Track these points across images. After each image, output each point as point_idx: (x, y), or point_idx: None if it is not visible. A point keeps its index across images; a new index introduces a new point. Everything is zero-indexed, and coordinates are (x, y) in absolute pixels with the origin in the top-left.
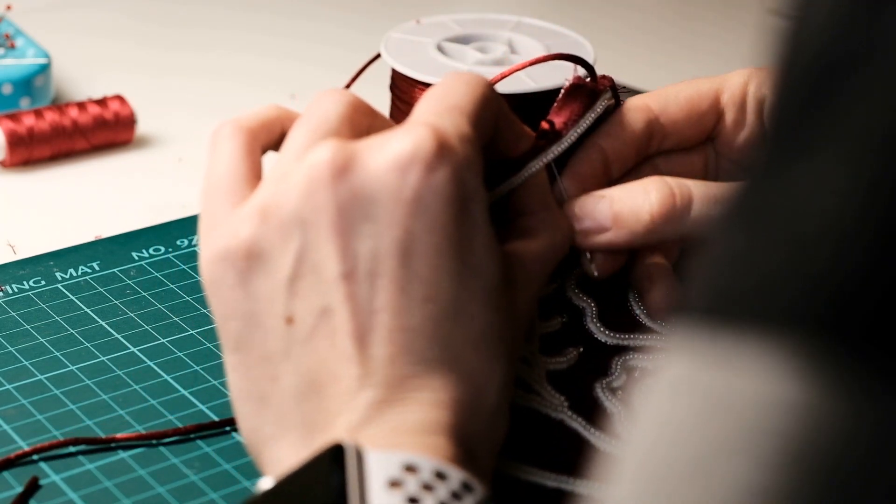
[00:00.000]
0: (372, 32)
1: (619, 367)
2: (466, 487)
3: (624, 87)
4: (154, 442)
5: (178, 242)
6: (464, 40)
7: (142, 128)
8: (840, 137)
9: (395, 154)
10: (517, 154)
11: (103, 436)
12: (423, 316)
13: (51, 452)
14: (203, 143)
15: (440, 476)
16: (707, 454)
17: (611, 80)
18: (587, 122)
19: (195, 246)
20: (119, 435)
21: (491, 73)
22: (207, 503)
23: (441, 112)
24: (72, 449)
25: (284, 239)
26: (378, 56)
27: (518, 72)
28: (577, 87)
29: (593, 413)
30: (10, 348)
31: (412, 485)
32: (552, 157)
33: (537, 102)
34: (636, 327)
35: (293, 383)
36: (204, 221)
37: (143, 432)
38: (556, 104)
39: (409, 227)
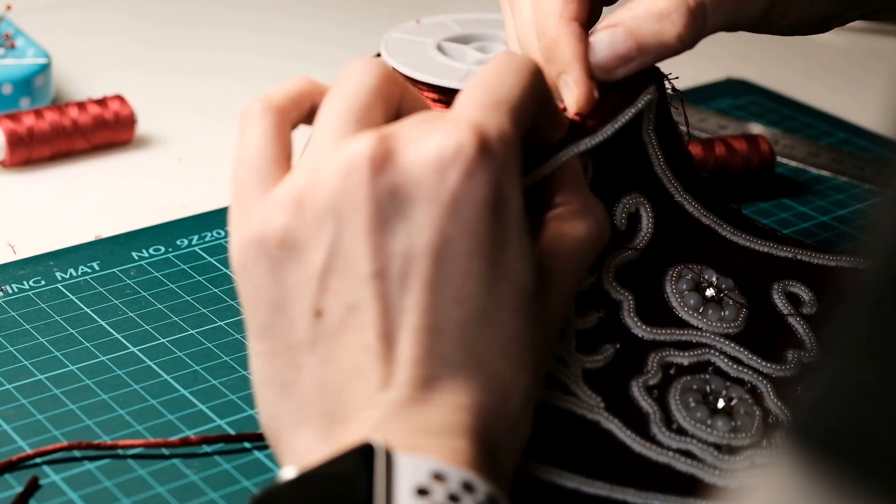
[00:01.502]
0: (372, 32)
1: (655, 364)
2: (492, 501)
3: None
4: (166, 453)
5: (178, 242)
6: (464, 40)
7: (142, 128)
8: None
9: (435, 152)
10: (552, 142)
11: (103, 436)
12: (452, 318)
13: (53, 456)
14: (203, 143)
15: (467, 487)
16: None
17: (658, 73)
18: (626, 117)
19: (195, 246)
20: (122, 441)
21: None
22: (207, 503)
23: (487, 107)
24: (76, 453)
25: (318, 231)
26: (378, 56)
27: None
28: (617, 83)
29: (629, 413)
30: (10, 348)
31: (439, 494)
32: (584, 149)
33: None
34: (672, 321)
35: (317, 374)
36: (235, 205)
37: (150, 440)
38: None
39: (443, 229)
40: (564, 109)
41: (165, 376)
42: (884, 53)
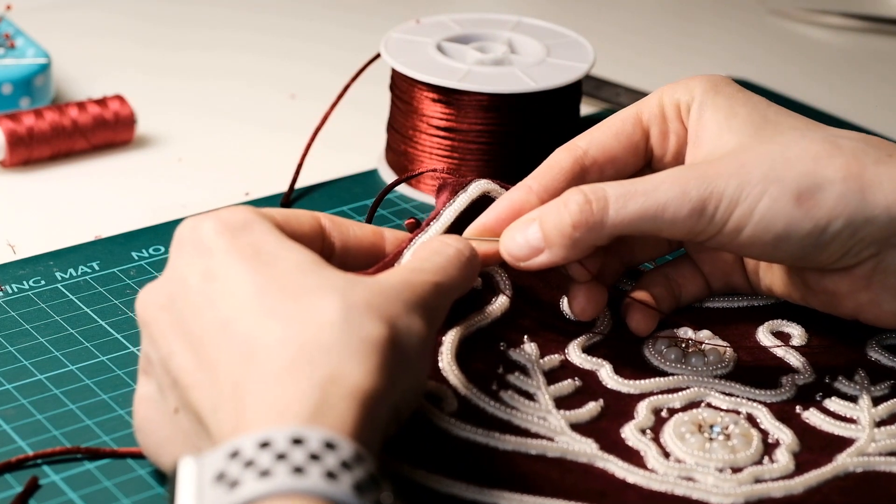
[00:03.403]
0: (372, 32)
1: (645, 409)
2: (296, 442)
3: (621, 86)
4: None
5: None
6: (464, 40)
7: (142, 128)
8: None
9: (174, 240)
10: (383, 254)
11: (103, 436)
12: (229, 308)
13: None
14: (203, 143)
15: (264, 445)
16: None
17: (472, 178)
18: (454, 206)
19: None
20: (121, 449)
21: (491, 72)
22: None
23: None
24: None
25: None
26: (378, 56)
27: (518, 72)
28: (442, 186)
29: (624, 451)
30: (10, 348)
31: (234, 469)
32: (425, 237)
33: (537, 102)
34: (657, 373)
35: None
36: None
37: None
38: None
39: (192, 272)
40: (414, 223)
41: None
42: (884, 53)
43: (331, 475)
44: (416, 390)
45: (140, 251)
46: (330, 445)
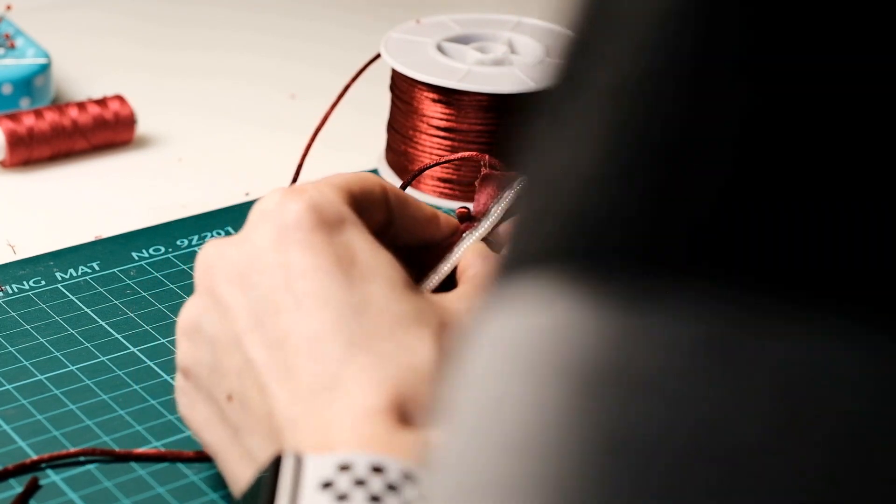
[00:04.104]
0: (372, 32)
1: None
2: (407, 477)
3: None
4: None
5: (178, 242)
6: (464, 40)
7: (142, 128)
8: (587, 89)
9: (256, 210)
10: (435, 236)
11: (103, 436)
12: (321, 321)
13: (57, 460)
14: (203, 143)
15: (377, 470)
16: (501, 393)
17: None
18: (503, 203)
19: (195, 246)
20: (136, 450)
21: (491, 72)
22: (207, 503)
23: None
24: (81, 458)
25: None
26: (378, 56)
27: (518, 72)
28: (487, 177)
29: None
30: (10, 348)
31: (344, 483)
32: (478, 238)
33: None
34: None
35: (256, 441)
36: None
37: (163, 450)
38: (476, 192)
39: (279, 260)
40: (465, 213)
41: (165, 376)
42: None
43: None
44: None
45: (140, 251)
46: None
